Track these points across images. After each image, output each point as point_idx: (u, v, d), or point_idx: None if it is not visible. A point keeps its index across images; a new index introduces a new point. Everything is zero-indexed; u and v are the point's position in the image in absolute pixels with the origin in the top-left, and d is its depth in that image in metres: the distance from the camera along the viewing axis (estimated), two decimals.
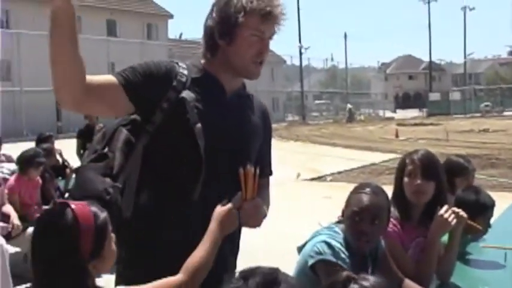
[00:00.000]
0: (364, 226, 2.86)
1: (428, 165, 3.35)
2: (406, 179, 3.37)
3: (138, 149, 2.39)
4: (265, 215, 2.48)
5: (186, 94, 2.36)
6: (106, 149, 2.41)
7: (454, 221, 3.19)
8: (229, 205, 2.25)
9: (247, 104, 2.58)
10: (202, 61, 2.52)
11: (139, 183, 2.39)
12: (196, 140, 2.32)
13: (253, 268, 1.80)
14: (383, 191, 3.00)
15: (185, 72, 2.42)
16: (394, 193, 3.44)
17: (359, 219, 2.86)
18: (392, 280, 3.12)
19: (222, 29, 2.41)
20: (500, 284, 3.43)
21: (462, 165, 4.46)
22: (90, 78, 2.22)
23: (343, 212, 3.01)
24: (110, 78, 2.30)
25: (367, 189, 2.96)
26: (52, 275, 1.91)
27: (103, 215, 1.99)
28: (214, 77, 2.47)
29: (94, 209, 1.99)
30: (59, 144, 9.24)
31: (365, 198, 2.90)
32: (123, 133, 2.43)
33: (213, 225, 2.23)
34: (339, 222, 3.04)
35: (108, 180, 2.32)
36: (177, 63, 2.47)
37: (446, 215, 3.19)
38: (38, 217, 1.98)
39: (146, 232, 2.39)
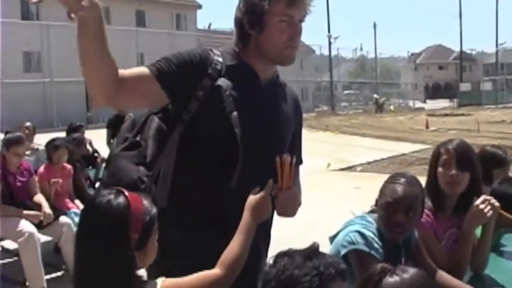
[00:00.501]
0: (398, 217, 2.82)
1: (463, 156, 3.29)
2: (440, 169, 3.32)
3: (174, 138, 2.37)
4: (299, 204, 2.46)
5: (222, 82, 2.34)
6: (138, 137, 2.40)
7: (490, 212, 3.12)
8: (262, 193, 2.22)
9: (280, 92, 2.56)
10: (236, 49, 2.49)
11: (175, 172, 2.37)
12: (232, 128, 2.30)
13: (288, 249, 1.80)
14: (418, 182, 2.96)
15: (220, 59, 2.40)
16: (428, 183, 3.38)
17: (393, 209, 2.82)
18: (425, 271, 3.09)
19: (251, 19, 2.39)
20: None
21: (500, 156, 4.36)
22: (122, 72, 2.21)
23: (376, 201, 2.97)
24: (143, 70, 2.29)
25: (402, 180, 2.92)
26: (98, 259, 1.86)
27: (153, 210, 1.96)
28: (248, 65, 2.44)
29: (146, 202, 1.96)
30: (89, 135, 9.31)
31: (399, 189, 2.86)
32: (155, 121, 2.42)
33: (246, 215, 2.21)
34: (371, 211, 3.01)
35: (142, 168, 2.32)
36: (211, 50, 2.44)
37: (482, 206, 3.13)
38: (89, 199, 1.92)
39: (183, 221, 2.37)
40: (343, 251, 2.79)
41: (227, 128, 2.30)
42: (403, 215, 2.82)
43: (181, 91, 2.32)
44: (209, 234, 2.35)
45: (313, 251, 1.83)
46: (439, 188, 3.32)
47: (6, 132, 7.06)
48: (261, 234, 2.43)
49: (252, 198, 2.22)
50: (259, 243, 2.44)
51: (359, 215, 3.03)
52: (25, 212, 5.92)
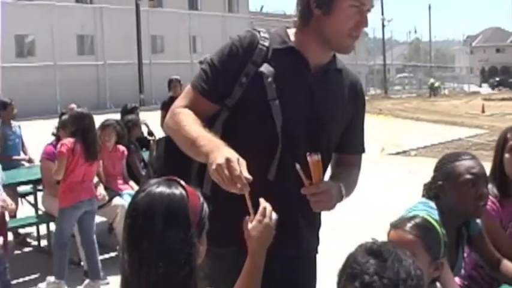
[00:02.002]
0: (480, 190, 2.77)
1: None
2: (507, 155, 3.20)
3: (217, 125, 2.32)
4: (340, 197, 2.35)
5: (265, 68, 2.27)
6: None
7: None
8: (258, 217, 2.10)
9: (334, 79, 2.43)
10: (290, 31, 2.40)
11: None
12: (272, 117, 2.24)
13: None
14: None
15: (266, 43, 2.32)
16: (493, 169, 3.27)
17: (473, 184, 2.76)
18: (489, 259, 3.00)
19: None
20: None
21: None
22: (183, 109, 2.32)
23: (439, 186, 2.86)
24: (190, 93, 2.37)
25: (466, 156, 2.87)
26: (164, 248, 1.70)
27: (205, 205, 1.86)
28: (298, 51, 2.34)
29: (200, 195, 1.86)
30: (142, 117, 9.33)
31: (473, 164, 2.80)
32: None
33: (250, 247, 2.11)
34: (435, 197, 2.89)
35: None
36: (259, 32, 2.36)
37: None
38: (142, 188, 1.79)
39: (222, 210, 2.31)
40: None
41: (268, 117, 2.24)
42: (484, 187, 2.80)
43: (226, 86, 2.31)
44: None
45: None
46: (505, 174, 3.20)
47: (62, 114, 7.11)
48: (302, 220, 2.42)
49: (250, 228, 2.11)
50: (302, 229, 2.42)
51: (421, 201, 2.93)
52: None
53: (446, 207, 2.81)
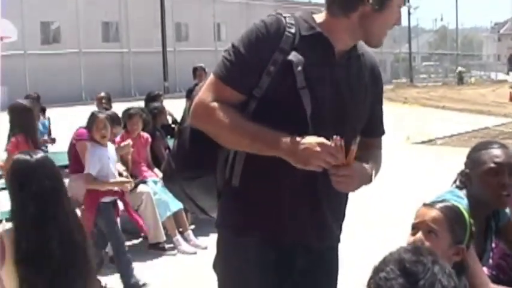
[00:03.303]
0: (504, 179, 2.75)
1: None
2: None
3: (246, 115, 2.28)
4: (367, 181, 2.34)
5: (294, 56, 2.23)
6: None
7: None
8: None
9: (356, 64, 2.41)
10: (316, 16, 2.36)
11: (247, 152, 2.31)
12: (302, 105, 2.21)
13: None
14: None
15: (292, 30, 2.28)
16: None
17: (496, 173, 2.75)
18: None
19: None
20: None
21: None
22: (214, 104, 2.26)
23: (466, 174, 2.84)
24: (219, 84, 2.29)
25: (495, 145, 2.85)
26: None
27: None
28: (325, 37, 2.30)
29: None
30: (166, 104, 9.35)
31: (499, 152, 2.78)
32: None
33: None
34: (462, 187, 2.87)
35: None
36: (284, 17, 2.32)
37: None
38: None
39: (251, 201, 2.34)
40: None
41: (297, 105, 2.21)
42: (508, 177, 2.76)
43: (252, 75, 2.26)
44: (276, 213, 2.33)
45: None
46: None
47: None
48: (329, 213, 2.43)
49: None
50: (327, 210, 2.40)
51: (449, 190, 2.92)
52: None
53: (473, 197, 2.79)
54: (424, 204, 2.46)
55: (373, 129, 2.54)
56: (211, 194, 2.39)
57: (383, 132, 2.62)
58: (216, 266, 2.50)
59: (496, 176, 2.75)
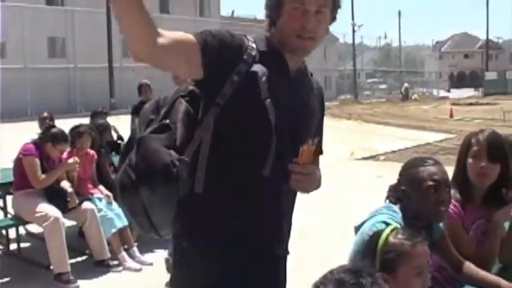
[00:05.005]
0: (443, 196, 2.87)
1: (494, 147, 3.24)
2: (470, 160, 3.27)
3: (208, 123, 2.32)
4: (317, 186, 2.45)
5: (258, 68, 2.30)
6: (167, 120, 2.36)
7: None
8: None
9: (308, 82, 2.53)
10: (267, 35, 2.46)
11: (209, 158, 2.33)
12: (266, 115, 2.28)
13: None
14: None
15: (254, 45, 2.36)
16: (456, 174, 3.35)
17: (436, 190, 2.85)
18: (451, 262, 3.08)
19: (270, 3, 2.38)
20: None
21: (511, 143, 4.24)
22: (169, 33, 2.18)
23: (401, 190, 2.94)
24: (189, 37, 2.23)
25: (430, 161, 2.95)
26: None
27: None
28: (280, 53, 2.40)
29: None
30: (112, 121, 9.33)
31: (436, 170, 2.89)
32: (183, 105, 2.38)
33: None
34: (396, 202, 2.97)
35: (173, 152, 2.28)
36: (245, 35, 2.40)
37: None
38: None
39: (215, 207, 2.36)
40: None
41: (261, 115, 2.28)
42: (446, 192, 2.89)
43: (217, 71, 2.27)
44: (241, 221, 2.35)
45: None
46: (468, 179, 3.28)
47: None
48: (287, 209, 2.48)
49: None
50: (285, 219, 2.47)
51: (385, 205, 3.00)
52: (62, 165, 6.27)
53: (409, 211, 2.88)
54: None
55: (319, 146, 2.60)
56: (170, 206, 2.32)
57: (321, 152, 2.70)
58: (175, 281, 2.51)
59: (435, 193, 2.85)
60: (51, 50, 36.29)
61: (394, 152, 15.97)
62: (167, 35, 2.17)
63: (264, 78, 2.29)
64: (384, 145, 17.13)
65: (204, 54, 2.22)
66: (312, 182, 2.38)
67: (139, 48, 2.13)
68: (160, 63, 2.25)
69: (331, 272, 1.83)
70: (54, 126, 6.81)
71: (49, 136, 6.36)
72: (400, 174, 3.02)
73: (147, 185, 2.26)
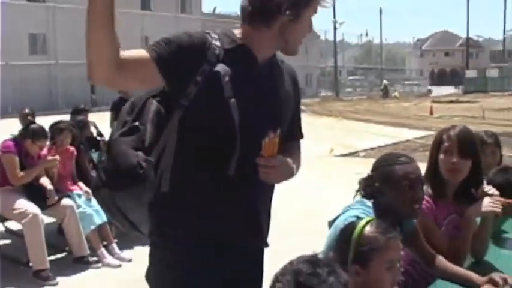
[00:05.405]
0: (417, 193, 2.91)
1: (465, 143, 3.28)
2: (441, 156, 3.31)
3: (173, 123, 2.35)
4: (290, 174, 2.47)
5: (221, 68, 2.32)
6: (137, 122, 2.38)
7: (498, 210, 3.12)
8: None
9: (278, 71, 2.54)
10: (238, 31, 2.46)
11: (176, 157, 2.36)
12: (230, 115, 2.30)
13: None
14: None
15: (218, 43, 2.37)
16: (428, 170, 3.39)
17: (411, 187, 2.88)
18: (423, 256, 3.12)
19: (295, 4, 2.36)
20: None
21: (481, 139, 4.28)
22: (122, 54, 2.19)
23: (373, 187, 2.98)
24: (142, 53, 2.26)
25: (404, 159, 2.97)
26: None
27: None
28: (247, 48, 2.41)
29: None
30: (93, 117, 9.33)
31: (411, 169, 2.92)
32: (154, 105, 2.39)
33: None
34: (369, 197, 3.01)
35: (141, 154, 2.30)
36: (208, 33, 2.41)
37: (492, 203, 3.13)
38: None
39: (182, 205, 2.40)
40: None
41: (225, 114, 2.30)
42: (420, 189, 2.93)
43: (179, 76, 2.29)
44: (208, 220, 2.38)
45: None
46: (440, 174, 3.32)
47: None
48: (260, 203, 2.51)
49: None
50: (259, 213, 2.50)
51: (358, 200, 3.03)
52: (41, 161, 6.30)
53: (383, 207, 2.91)
54: None
55: (294, 133, 2.65)
56: (143, 205, 2.36)
57: (302, 136, 2.74)
58: (149, 276, 2.52)
59: (410, 191, 2.88)
60: (32, 47, 36.08)
61: (373, 148, 16.07)
62: (124, 58, 2.20)
63: (227, 78, 2.30)
64: (364, 142, 17.22)
65: (160, 65, 2.25)
66: (280, 173, 2.39)
67: (100, 74, 2.18)
68: (117, 86, 2.33)
69: (290, 262, 1.87)
70: (34, 123, 6.81)
71: (29, 132, 6.36)
72: (373, 170, 3.05)
73: (116, 186, 2.30)
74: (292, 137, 2.63)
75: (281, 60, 2.58)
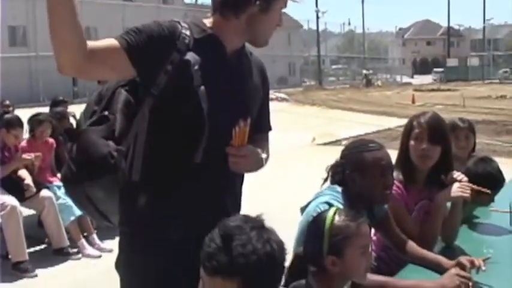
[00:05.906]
0: (388, 179, 2.96)
1: (435, 129, 3.32)
2: (412, 142, 3.35)
3: (143, 112, 2.36)
4: (260, 165, 2.51)
5: (191, 56, 2.33)
6: (106, 112, 2.39)
7: (467, 195, 3.16)
8: None
9: (247, 63, 2.56)
10: (207, 20, 2.47)
11: (146, 146, 2.37)
12: (199, 103, 2.31)
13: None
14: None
15: (187, 32, 2.38)
16: (399, 156, 3.43)
17: (381, 175, 2.92)
18: (395, 242, 3.16)
19: None
20: (504, 248, 3.38)
21: (454, 124, 4.34)
22: (91, 43, 2.19)
23: (343, 173, 3.01)
24: (112, 42, 2.26)
25: (374, 145, 3.00)
26: None
27: None
28: (217, 38, 2.43)
29: None
30: (75, 109, 9.29)
31: (382, 155, 2.96)
32: (123, 94, 2.41)
33: None
34: (339, 184, 3.04)
35: (111, 143, 2.32)
36: (178, 22, 2.42)
37: (461, 188, 3.17)
38: None
39: (151, 194, 2.40)
40: None
41: (194, 103, 2.31)
42: (391, 175, 2.98)
43: (149, 65, 2.30)
44: (177, 208, 2.39)
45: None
46: (410, 161, 3.36)
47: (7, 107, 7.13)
48: (230, 198, 2.53)
49: None
50: (227, 201, 2.50)
51: (329, 186, 3.07)
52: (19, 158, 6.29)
53: (353, 194, 2.95)
54: None
55: (262, 125, 2.67)
56: (114, 195, 2.37)
57: (270, 128, 2.76)
58: (119, 265, 2.52)
59: (381, 178, 2.92)
60: (11, 39, 35.78)
61: (355, 137, 16.07)
62: (94, 48, 2.19)
63: (196, 67, 2.32)
64: (346, 131, 17.23)
65: (130, 54, 2.25)
66: (250, 163, 2.42)
67: (69, 65, 2.18)
68: (88, 75, 2.32)
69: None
70: (8, 113, 6.81)
71: (3, 122, 6.34)
72: (343, 157, 3.08)
73: (86, 176, 2.30)
74: (261, 129, 2.65)
75: (250, 53, 2.60)
